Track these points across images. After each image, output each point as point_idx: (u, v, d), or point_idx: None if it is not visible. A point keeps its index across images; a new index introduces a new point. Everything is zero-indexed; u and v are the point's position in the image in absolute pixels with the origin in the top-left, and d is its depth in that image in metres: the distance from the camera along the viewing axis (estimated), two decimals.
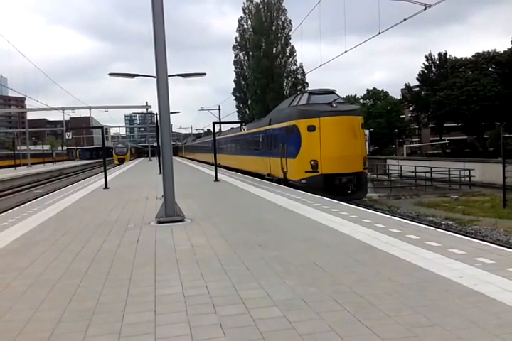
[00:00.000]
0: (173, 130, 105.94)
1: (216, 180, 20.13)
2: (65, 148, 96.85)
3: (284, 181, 18.17)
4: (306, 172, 16.56)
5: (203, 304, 4.44)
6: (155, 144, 49.81)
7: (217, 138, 37.64)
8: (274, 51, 51.97)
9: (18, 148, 73.39)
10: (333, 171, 16.38)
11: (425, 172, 29.13)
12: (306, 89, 51.74)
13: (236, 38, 55.00)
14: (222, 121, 54.24)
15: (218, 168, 22.12)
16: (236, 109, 56.30)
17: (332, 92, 18.37)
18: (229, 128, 40.41)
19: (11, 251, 7.22)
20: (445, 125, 58.91)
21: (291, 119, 17.67)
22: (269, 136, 21.04)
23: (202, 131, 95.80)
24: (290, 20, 52.90)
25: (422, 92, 62.09)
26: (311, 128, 16.57)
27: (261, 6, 52.90)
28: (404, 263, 5.70)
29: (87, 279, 5.47)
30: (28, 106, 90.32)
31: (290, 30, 52.00)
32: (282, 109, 20.52)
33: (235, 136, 31.11)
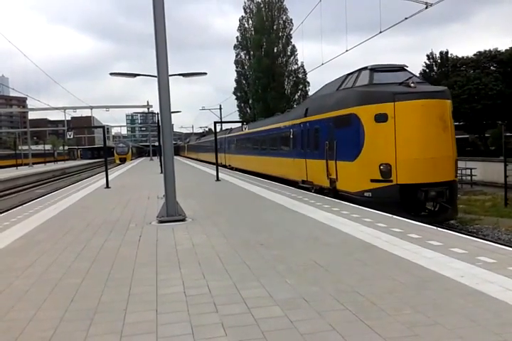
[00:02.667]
0: (175, 129, 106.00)
1: (217, 179, 20.13)
2: (66, 147, 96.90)
3: (333, 192, 13.52)
4: (373, 181, 11.71)
5: (204, 303, 4.45)
6: (156, 144, 49.87)
7: (226, 135, 35.61)
8: (275, 50, 51.90)
9: (20, 147, 73.47)
10: (415, 180, 11.44)
11: None
12: (307, 89, 51.77)
13: (237, 37, 54.95)
14: (223, 120, 54.27)
15: (223, 169, 21.76)
16: (237, 109, 56.27)
17: (402, 68, 13.43)
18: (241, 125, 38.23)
19: (13, 250, 7.24)
20: None
21: (347, 106, 12.77)
22: (305, 130, 16.25)
23: (204, 130, 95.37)
24: (291, 20, 52.86)
25: None
26: (381, 118, 11.67)
27: (262, 5, 52.83)
28: (406, 262, 5.71)
29: (89, 278, 5.48)
30: (29, 106, 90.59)
31: (291, 29, 51.94)
32: (326, 95, 15.08)
33: (253, 133, 25.76)
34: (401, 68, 13.41)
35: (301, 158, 16.50)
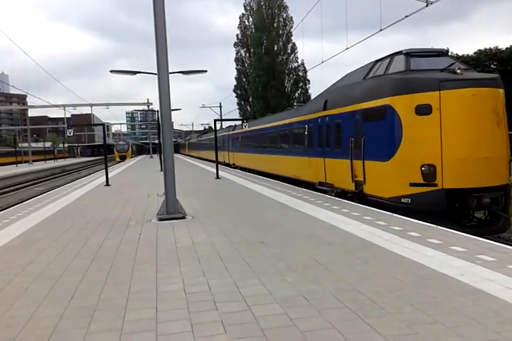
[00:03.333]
0: (175, 127, 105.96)
1: (217, 177, 20.14)
2: (66, 145, 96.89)
3: (359, 196, 11.85)
4: (412, 185, 10.03)
5: (204, 301, 4.45)
6: (156, 141, 49.85)
7: (230, 133, 33.68)
8: (275, 48, 51.86)
9: (20, 145, 73.47)
10: (464, 184, 9.77)
11: None
12: (307, 87, 51.72)
13: (237, 35, 54.85)
14: (223, 118, 54.27)
15: (224, 168, 21.45)
16: (237, 106, 56.24)
17: (442, 53, 11.62)
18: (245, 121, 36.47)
19: (13, 248, 7.24)
20: None
21: (379, 96, 10.95)
22: (323, 126, 14.37)
23: (204, 128, 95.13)
24: (291, 17, 52.79)
25: None
26: (424, 110, 9.98)
27: (262, 3, 52.75)
28: (406, 260, 5.71)
29: (89, 276, 5.48)
30: (29, 104, 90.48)
31: (291, 27, 51.89)
32: (350, 85, 13.13)
33: (261, 130, 23.89)
34: (441, 53, 11.59)
35: (319, 157, 14.67)
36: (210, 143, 40.76)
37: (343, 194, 12.90)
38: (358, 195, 11.84)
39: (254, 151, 25.45)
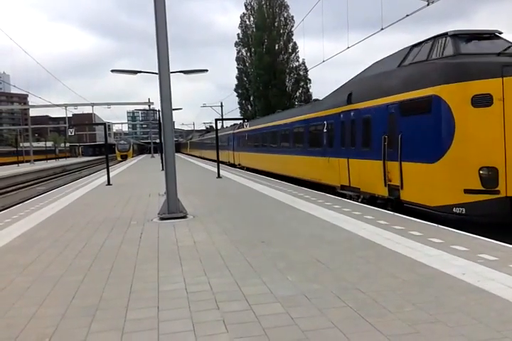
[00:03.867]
0: (176, 126, 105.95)
1: (219, 176, 20.14)
2: (67, 144, 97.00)
3: (394, 203, 10.24)
4: (468, 192, 8.38)
5: (205, 300, 4.45)
6: (157, 141, 49.83)
7: (236, 131, 31.79)
8: (276, 47, 51.80)
9: (21, 144, 73.54)
10: None
11: None
12: (308, 86, 51.68)
13: (238, 35, 54.80)
14: (224, 117, 54.21)
15: (225, 167, 21.31)
16: (238, 106, 56.21)
17: (495, 35, 9.89)
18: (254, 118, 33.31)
19: (15, 247, 7.25)
20: None
21: (422, 86, 9.31)
22: (347, 122, 12.66)
23: (206, 127, 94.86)
24: (292, 17, 52.68)
25: None
26: (483, 101, 8.35)
27: (263, 2, 52.69)
28: (407, 259, 5.70)
29: (90, 275, 5.49)
30: (30, 103, 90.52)
31: (292, 26, 51.81)
32: (382, 74, 11.41)
33: (271, 127, 21.97)
34: (492, 34, 9.89)
35: (342, 158, 12.92)
36: (212, 142, 38.77)
37: (371, 200, 11.26)
38: (393, 202, 10.27)
39: (264, 151, 23.51)
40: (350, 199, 12.01)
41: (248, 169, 26.61)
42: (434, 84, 8.99)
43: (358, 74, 13.20)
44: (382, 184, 10.55)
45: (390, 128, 10.35)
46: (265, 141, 23.41)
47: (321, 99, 16.95)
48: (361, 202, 11.53)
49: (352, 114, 12.35)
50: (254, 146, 25.86)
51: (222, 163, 32.68)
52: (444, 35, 9.80)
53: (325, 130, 14.36)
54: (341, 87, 14.07)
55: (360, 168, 11.86)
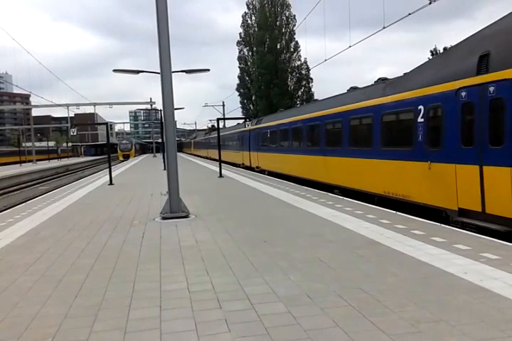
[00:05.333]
0: (178, 126, 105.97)
1: (220, 176, 20.15)
2: (69, 144, 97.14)
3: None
4: None
5: (207, 300, 4.46)
6: (159, 140, 49.84)
7: (253, 127, 26.26)
8: (278, 46, 51.77)
9: (24, 144, 73.69)
10: None
11: None
12: (310, 85, 51.62)
13: (240, 34, 54.78)
14: (226, 117, 54.19)
15: (226, 167, 20.93)
16: (240, 105, 56.19)
17: None
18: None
19: (17, 247, 7.27)
20: None
21: None
22: (482, 103, 7.58)
23: (208, 127, 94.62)
24: (294, 16, 52.64)
25: None
26: None
27: (265, 1, 52.63)
28: (409, 258, 5.70)
29: (93, 275, 5.50)
30: (32, 103, 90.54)
31: (294, 25, 51.78)
32: None
33: (315, 119, 16.04)
34: None
35: (464, 164, 8.03)
36: (223, 142, 33.75)
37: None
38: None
39: (299, 151, 17.95)
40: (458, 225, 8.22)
41: (270, 174, 21.71)
42: None
43: (492, 23, 8.22)
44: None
45: None
46: (300, 138, 17.97)
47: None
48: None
49: (491, 89, 7.42)
50: (281, 146, 20.61)
51: (234, 165, 29.96)
52: None
53: (420, 119, 9.53)
54: (459, 44, 9.07)
55: (462, 177, 7.95)
